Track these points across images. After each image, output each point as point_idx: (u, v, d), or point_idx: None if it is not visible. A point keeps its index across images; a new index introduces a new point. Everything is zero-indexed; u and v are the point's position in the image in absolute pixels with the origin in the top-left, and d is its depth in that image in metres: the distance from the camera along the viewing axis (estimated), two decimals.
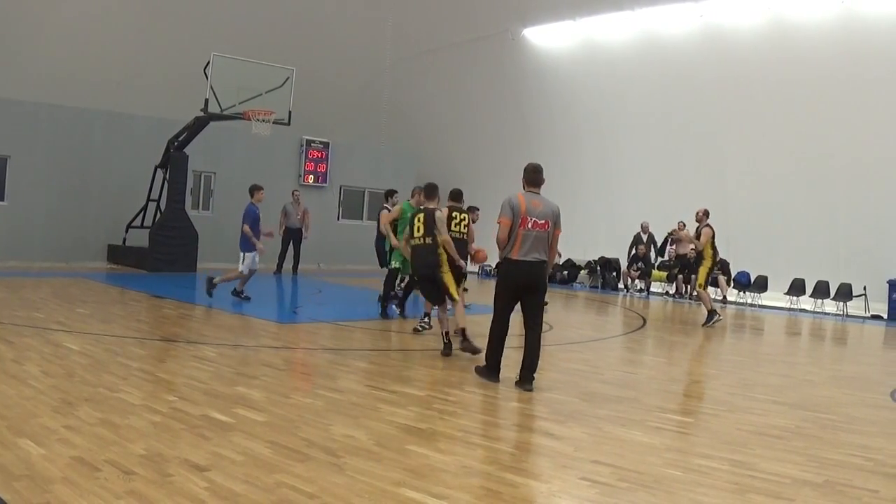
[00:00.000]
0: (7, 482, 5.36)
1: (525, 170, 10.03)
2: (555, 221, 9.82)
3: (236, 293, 17.00)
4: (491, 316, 10.05)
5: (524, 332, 9.84)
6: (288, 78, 23.11)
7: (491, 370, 9.88)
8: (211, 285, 16.73)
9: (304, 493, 5.56)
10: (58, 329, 11.94)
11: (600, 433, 7.70)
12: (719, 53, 24.56)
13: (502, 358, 9.95)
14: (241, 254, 16.74)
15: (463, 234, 12.75)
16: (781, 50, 23.29)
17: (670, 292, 25.80)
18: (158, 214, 23.75)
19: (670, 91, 25.97)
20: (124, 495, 5.28)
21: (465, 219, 12.93)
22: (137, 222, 24.01)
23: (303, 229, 24.46)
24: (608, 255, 27.70)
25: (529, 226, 9.57)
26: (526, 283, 9.72)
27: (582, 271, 28.79)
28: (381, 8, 29.84)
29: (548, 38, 29.32)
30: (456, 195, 13.22)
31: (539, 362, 9.64)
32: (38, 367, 9.08)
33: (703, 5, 24.57)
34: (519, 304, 9.96)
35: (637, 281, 26.62)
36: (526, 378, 9.54)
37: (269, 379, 9.50)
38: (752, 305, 24.41)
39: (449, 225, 12.37)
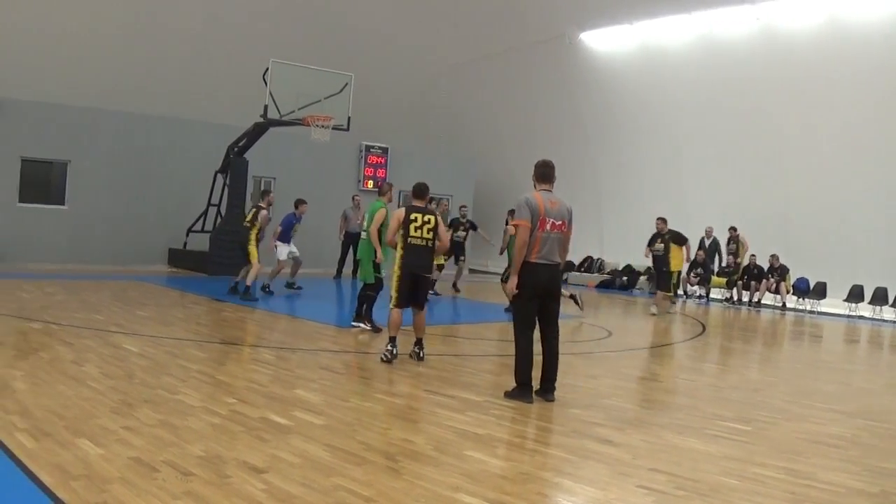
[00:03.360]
0: (65, 481, 5.37)
1: (536, 165, 9.39)
2: (569, 221, 9.20)
3: (264, 287, 18.53)
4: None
5: (541, 342, 9.19)
6: (346, 84, 23.10)
7: (523, 389, 9.01)
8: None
9: (361, 496, 5.52)
10: (117, 331, 12.01)
11: (658, 441, 7.61)
12: (777, 55, 24.22)
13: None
14: (276, 245, 18.84)
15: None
16: (840, 51, 22.89)
17: (730, 299, 25.53)
18: (219, 219, 23.89)
19: (729, 94, 25.66)
20: (182, 496, 5.27)
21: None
22: (198, 226, 24.17)
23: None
24: None
25: (548, 227, 8.89)
26: (546, 288, 9.05)
27: (641, 277, 28.59)
28: (439, 13, 29.84)
29: (605, 42, 29.16)
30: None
31: (559, 368, 9.29)
32: (97, 369, 9.13)
33: (759, 7, 24.27)
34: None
35: (696, 287, 26.34)
36: (548, 388, 9.08)
37: (328, 382, 9.47)
38: (811, 312, 24.16)
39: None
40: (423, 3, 29.30)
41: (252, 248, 17.39)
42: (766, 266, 24.79)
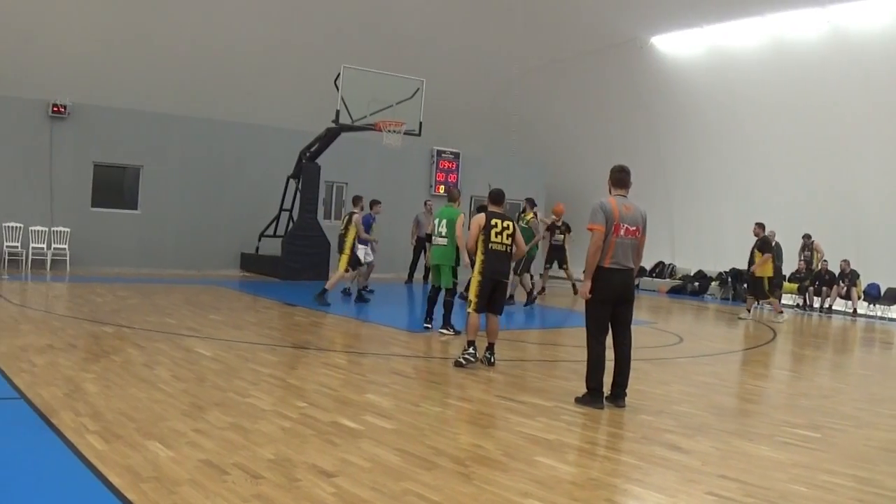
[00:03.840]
0: (135, 483, 5.41)
1: (612, 170, 9.24)
2: (644, 227, 9.12)
3: (360, 292, 18.78)
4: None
5: (614, 347, 9.11)
6: (418, 89, 23.07)
7: (594, 395, 8.96)
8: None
9: (431, 501, 5.51)
10: (189, 334, 12.13)
11: (728, 447, 7.54)
12: (848, 58, 23.75)
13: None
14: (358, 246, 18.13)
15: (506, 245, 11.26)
16: None
17: (801, 305, 25.19)
18: (291, 224, 24.05)
19: (800, 97, 25.26)
20: (251, 499, 5.29)
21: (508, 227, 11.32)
22: (270, 231, 24.35)
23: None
24: (739, 267, 27.07)
25: (622, 233, 8.80)
26: (620, 294, 8.98)
27: (713, 283, 28.30)
28: (509, 19, 29.74)
29: (676, 45, 28.88)
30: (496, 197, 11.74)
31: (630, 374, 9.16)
32: (168, 372, 9.21)
33: (830, 10, 23.86)
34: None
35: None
36: (619, 395, 9.01)
37: (399, 387, 9.48)
38: (882, 318, 23.88)
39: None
40: (493, 8, 29.21)
41: (343, 257, 17.41)
42: (836, 271, 24.45)
